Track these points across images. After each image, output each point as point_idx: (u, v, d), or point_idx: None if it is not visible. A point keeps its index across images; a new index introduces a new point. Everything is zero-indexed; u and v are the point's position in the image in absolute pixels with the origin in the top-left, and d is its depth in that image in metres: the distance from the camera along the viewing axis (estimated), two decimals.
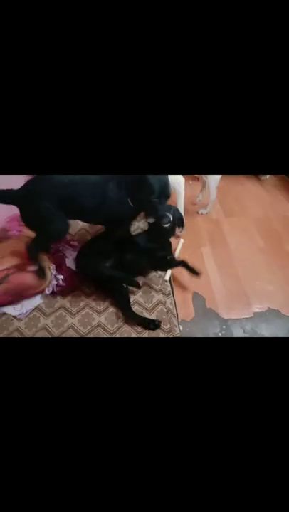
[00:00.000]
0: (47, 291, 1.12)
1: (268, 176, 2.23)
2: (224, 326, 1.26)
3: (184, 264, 1.31)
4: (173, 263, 1.33)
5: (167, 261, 1.30)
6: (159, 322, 1.07)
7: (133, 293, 1.23)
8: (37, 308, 1.11)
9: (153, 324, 1.06)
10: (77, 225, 1.42)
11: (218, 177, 1.66)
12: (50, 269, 1.12)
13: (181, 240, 1.62)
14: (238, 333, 1.24)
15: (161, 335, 1.06)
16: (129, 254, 1.19)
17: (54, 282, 1.12)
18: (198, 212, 1.86)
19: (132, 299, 1.16)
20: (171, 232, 1.19)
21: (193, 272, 1.29)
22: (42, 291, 1.12)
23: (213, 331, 1.25)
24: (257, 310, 1.33)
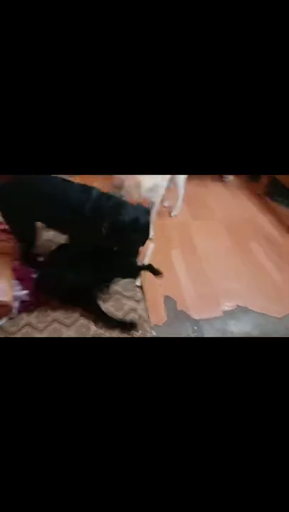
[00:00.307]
0: (14, 312, 1.07)
1: (230, 177, 2.32)
2: (196, 327, 1.29)
3: (148, 267, 1.32)
4: (139, 268, 1.33)
5: (133, 267, 1.30)
6: (135, 322, 1.08)
7: (103, 302, 1.21)
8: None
9: (130, 325, 1.07)
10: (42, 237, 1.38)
11: (185, 176, 1.69)
12: (12, 285, 1.07)
13: (151, 245, 1.63)
14: (209, 333, 1.26)
15: None
16: (96, 263, 1.17)
17: (16, 302, 1.07)
18: (170, 215, 1.89)
19: (102, 308, 1.15)
20: (137, 240, 1.19)
21: (156, 272, 1.29)
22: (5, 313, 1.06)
23: (186, 332, 1.26)
24: (226, 308, 1.37)
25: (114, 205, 1.04)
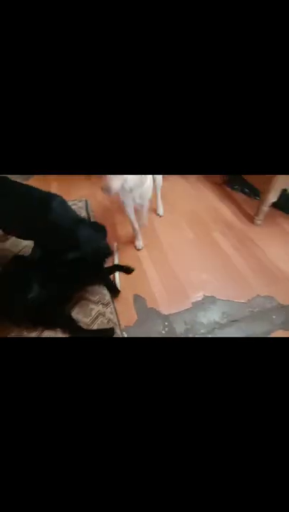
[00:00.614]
0: None
1: None
2: (166, 323, 1.29)
3: (116, 267, 1.30)
4: (107, 271, 1.31)
5: (101, 272, 1.28)
6: (112, 329, 1.07)
7: (70, 310, 1.18)
8: None
9: (110, 331, 1.05)
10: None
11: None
12: None
13: (115, 244, 1.61)
14: (180, 327, 1.28)
15: None
16: (60, 274, 1.13)
17: None
18: (158, 215, 1.88)
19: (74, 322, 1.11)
20: (97, 258, 1.15)
21: (128, 270, 1.28)
22: None
23: (157, 329, 1.27)
24: (194, 300, 1.39)
25: (71, 222, 1.00)
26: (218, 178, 2.18)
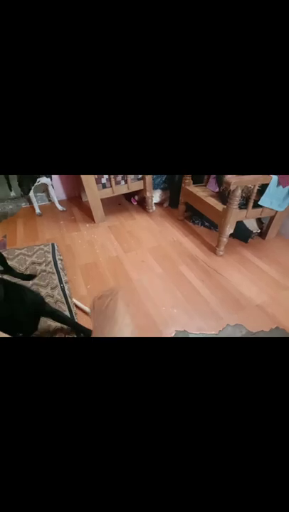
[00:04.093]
0: None
1: (154, 207, 2.42)
2: None
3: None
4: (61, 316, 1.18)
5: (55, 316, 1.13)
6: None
7: None
8: None
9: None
10: None
11: None
12: None
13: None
14: None
15: None
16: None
17: None
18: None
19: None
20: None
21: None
22: None
23: None
24: (167, 336, 1.33)
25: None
26: (180, 214, 2.26)
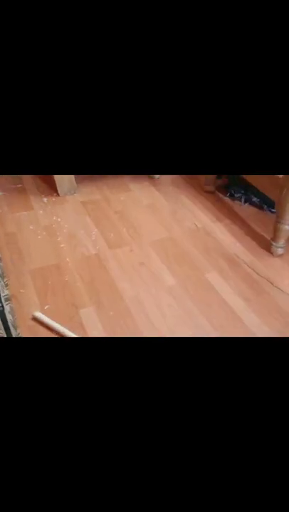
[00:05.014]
0: None
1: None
2: None
3: None
4: None
5: None
6: None
7: None
8: None
9: None
10: None
11: None
12: None
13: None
14: None
15: None
16: None
17: None
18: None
19: None
20: None
21: None
22: None
23: None
24: None
25: None
26: (208, 182, 2.24)
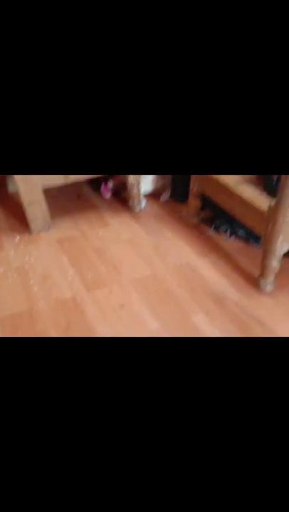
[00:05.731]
0: None
1: (143, 203, 2.37)
2: None
3: None
4: None
5: None
6: None
7: None
8: None
9: None
10: None
11: None
12: None
13: None
14: None
15: None
16: None
17: None
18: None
19: None
20: None
21: None
22: None
23: None
24: None
25: None
26: (191, 215, 2.21)
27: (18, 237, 2.13)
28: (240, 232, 2.12)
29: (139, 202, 2.37)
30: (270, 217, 1.59)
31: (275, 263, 1.68)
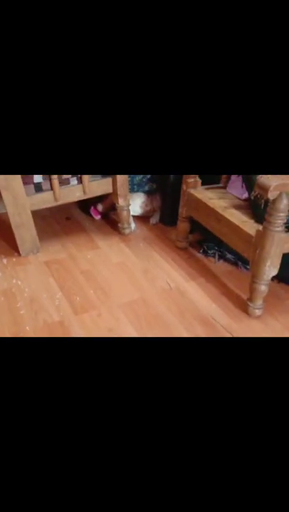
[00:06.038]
0: None
1: (132, 225, 2.36)
2: None
3: None
4: None
5: None
6: None
7: None
8: None
9: None
10: None
11: None
12: None
13: None
14: None
15: None
16: None
17: None
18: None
19: None
20: None
21: None
22: None
23: None
24: None
25: None
26: (180, 238, 2.21)
27: (5, 260, 2.11)
28: (229, 255, 2.12)
29: (129, 225, 2.37)
30: (258, 242, 1.59)
31: (263, 287, 1.68)
